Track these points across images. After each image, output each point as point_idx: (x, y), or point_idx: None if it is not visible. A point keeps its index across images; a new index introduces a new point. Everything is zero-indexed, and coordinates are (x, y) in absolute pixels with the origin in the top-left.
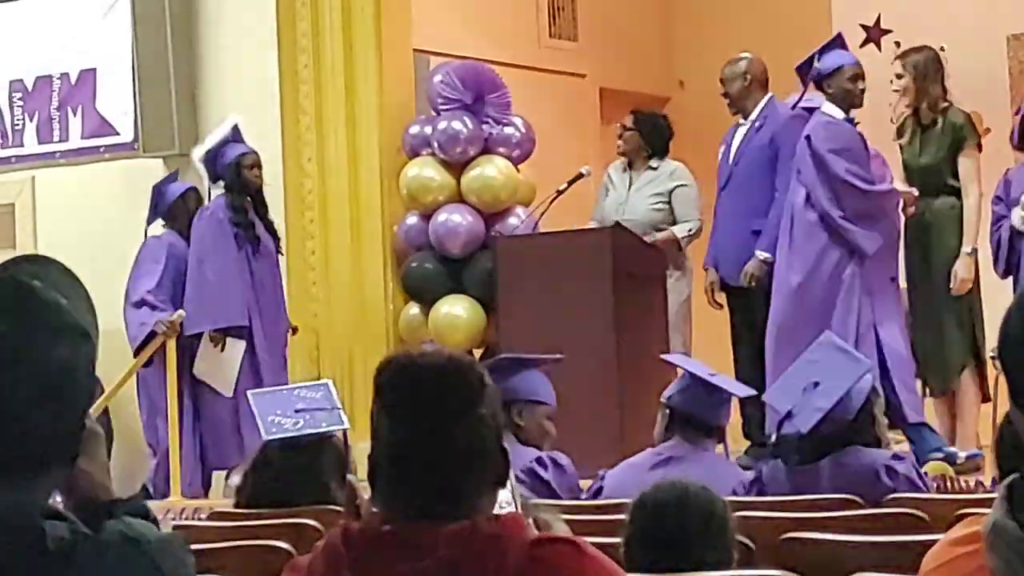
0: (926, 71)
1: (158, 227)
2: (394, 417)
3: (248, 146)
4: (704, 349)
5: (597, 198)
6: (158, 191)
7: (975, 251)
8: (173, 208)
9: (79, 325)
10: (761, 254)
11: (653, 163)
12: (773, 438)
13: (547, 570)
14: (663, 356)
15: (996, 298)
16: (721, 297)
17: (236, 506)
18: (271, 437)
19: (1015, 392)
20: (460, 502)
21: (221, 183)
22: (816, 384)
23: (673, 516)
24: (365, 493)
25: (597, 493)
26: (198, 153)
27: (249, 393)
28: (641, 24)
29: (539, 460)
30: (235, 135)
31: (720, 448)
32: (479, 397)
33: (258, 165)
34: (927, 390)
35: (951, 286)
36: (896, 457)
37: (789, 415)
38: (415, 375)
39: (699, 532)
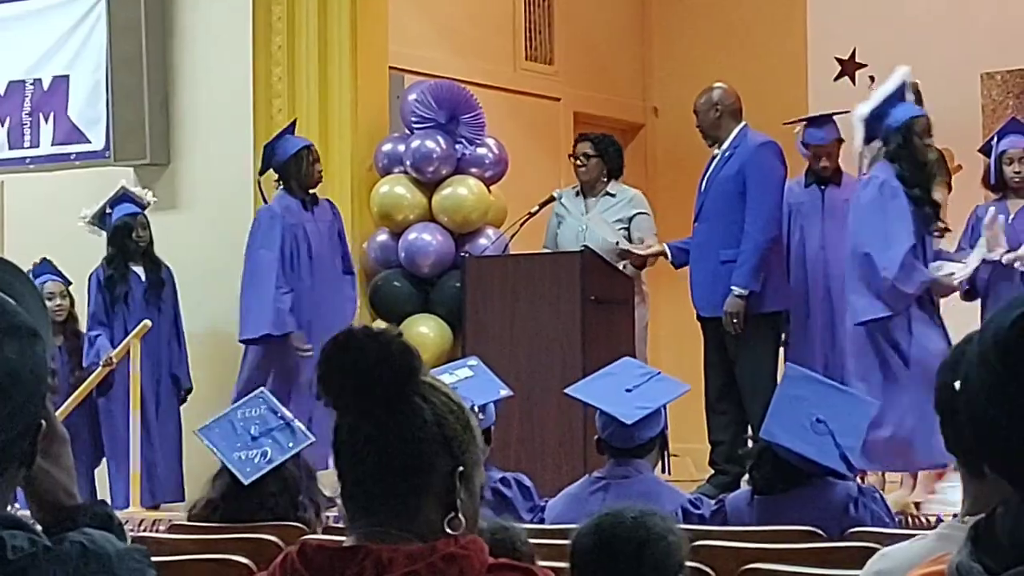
0: None
1: (269, 185)
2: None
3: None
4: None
5: (548, 224)
6: (269, 147)
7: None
8: (286, 166)
9: (27, 325)
10: (736, 289)
11: (611, 189)
12: (748, 468)
13: None
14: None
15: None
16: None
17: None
18: (252, 479)
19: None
20: (412, 509)
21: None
22: (819, 420)
23: (603, 559)
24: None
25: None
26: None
27: (198, 432)
28: (617, 50)
29: (503, 480)
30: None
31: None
32: (416, 373)
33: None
34: None
35: None
36: (863, 491)
37: (796, 454)
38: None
39: (630, 567)
